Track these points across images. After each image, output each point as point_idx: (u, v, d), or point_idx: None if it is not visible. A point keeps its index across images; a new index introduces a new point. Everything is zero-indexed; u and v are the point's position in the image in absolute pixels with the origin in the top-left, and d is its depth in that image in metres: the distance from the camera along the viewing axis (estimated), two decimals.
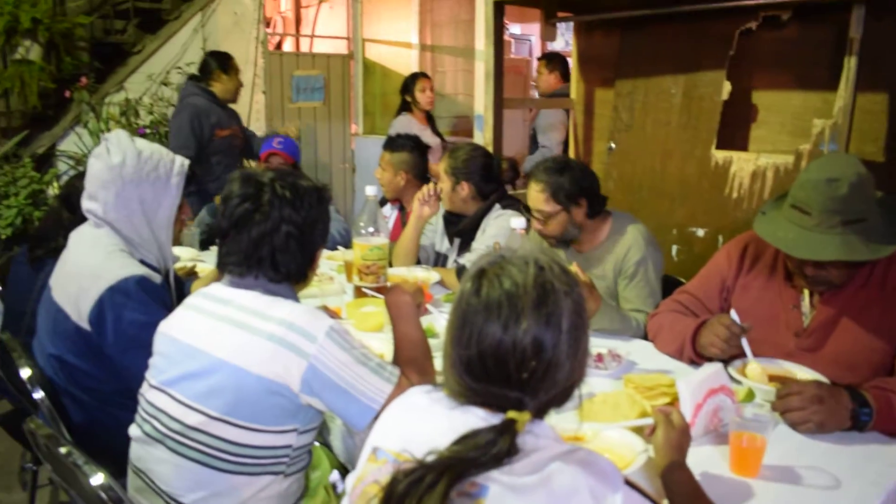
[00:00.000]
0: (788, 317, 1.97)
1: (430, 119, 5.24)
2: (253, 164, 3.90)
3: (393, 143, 3.37)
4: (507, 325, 1.04)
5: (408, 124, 4.97)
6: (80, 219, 2.08)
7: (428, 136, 4.99)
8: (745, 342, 1.87)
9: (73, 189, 2.36)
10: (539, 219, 2.45)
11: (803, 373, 1.86)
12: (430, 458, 1.00)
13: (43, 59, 4.86)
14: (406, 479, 0.99)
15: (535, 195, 2.42)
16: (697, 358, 1.99)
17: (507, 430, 1.02)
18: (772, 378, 1.85)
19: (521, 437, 1.03)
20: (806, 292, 1.95)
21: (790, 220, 1.83)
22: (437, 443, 1.02)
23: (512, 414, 1.04)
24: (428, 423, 1.10)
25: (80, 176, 2.50)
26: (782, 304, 1.99)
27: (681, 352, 2.04)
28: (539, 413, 1.09)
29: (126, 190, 1.94)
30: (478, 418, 1.06)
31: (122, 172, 1.93)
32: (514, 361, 1.04)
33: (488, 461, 0.99)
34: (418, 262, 3.03)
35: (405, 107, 5.17)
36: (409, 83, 5.17)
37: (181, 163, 2.04)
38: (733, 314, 1.89)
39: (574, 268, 2.12)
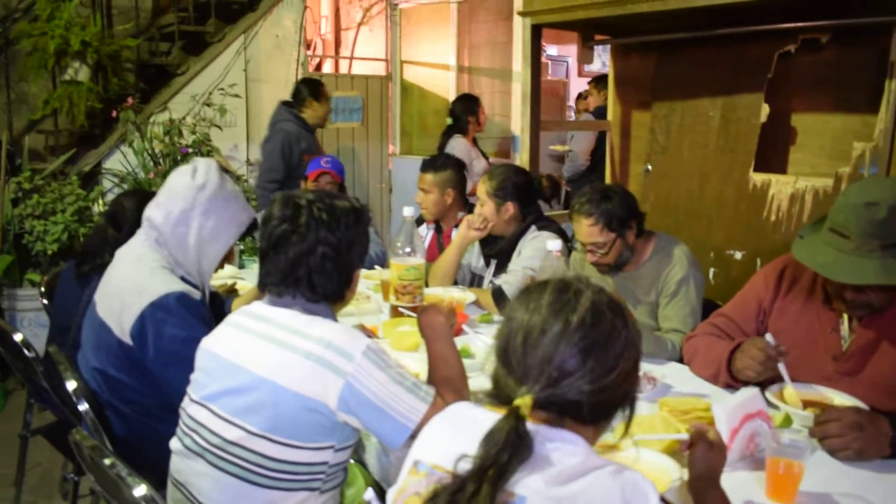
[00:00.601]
0: (827, 340, 1.95)
1: (475, 142, 5.29)
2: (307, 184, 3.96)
3: (435, 163, 3.36)
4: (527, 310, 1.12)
5: (465, 149, 4.97)
6: (125, 236, 2.14)
7: (477, 158, 5.04)
8: (782, 366, 1.85)
9: (119, 207, 2.43)
10: (593, 250, 2.43)
11: (840, 398, 1.84)
12: (461, 466, 1.02)
13: (91, 79, 4.97)
14: (446, 490, 1.01)
15: (588, 229, 2.41)
16: (734, 382, 1.97)
17: (514, 416, 1.03)
18: (809, 404, 1.82)
19: (551, 445, 1.04)
20: (845, 315, 1.92)
21: (829, 243, 1.81)
22: (468, 451, 1.04)
23: (516, 401, 1.05)
24: (462, 434, 1.12)
25: (126, 194, 2.58)
26: (821, 327, 1.97)
27: (716, 376, 2.02)
28: (555, 413, 1.09)
29: (193, 211, 2.00)
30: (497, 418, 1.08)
31: (197, 195, 2.00)
32: (514, 343, 1.10)
33: (512, 457, 1.00)
34: (455, 283, 3.05)
35: (459, 129, 5.17)
36: (472, 105, 5.17)
37: (249, 215, 2.11)
38: (769, 337, 1.87)
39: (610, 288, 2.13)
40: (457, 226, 3.11)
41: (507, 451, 1.01)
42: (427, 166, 3.36)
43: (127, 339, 1.92)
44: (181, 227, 2.01)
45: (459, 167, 3.40)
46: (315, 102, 4.65)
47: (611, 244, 2.41)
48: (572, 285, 1.13)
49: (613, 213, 2.39)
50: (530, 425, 1.05)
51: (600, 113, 4.81)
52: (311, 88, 4.69)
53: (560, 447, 1.06)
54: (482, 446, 1.03)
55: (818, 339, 1.97)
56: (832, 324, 1.94)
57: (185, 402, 1.62)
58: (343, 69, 7.67)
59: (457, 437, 1.13)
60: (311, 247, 1.58)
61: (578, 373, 1.07)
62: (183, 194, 2.00)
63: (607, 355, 1.08)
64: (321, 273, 1.59)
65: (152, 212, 2.03)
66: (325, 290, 1.60)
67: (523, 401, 1.05)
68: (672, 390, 2.02)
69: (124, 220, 2.36)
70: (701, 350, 2.13)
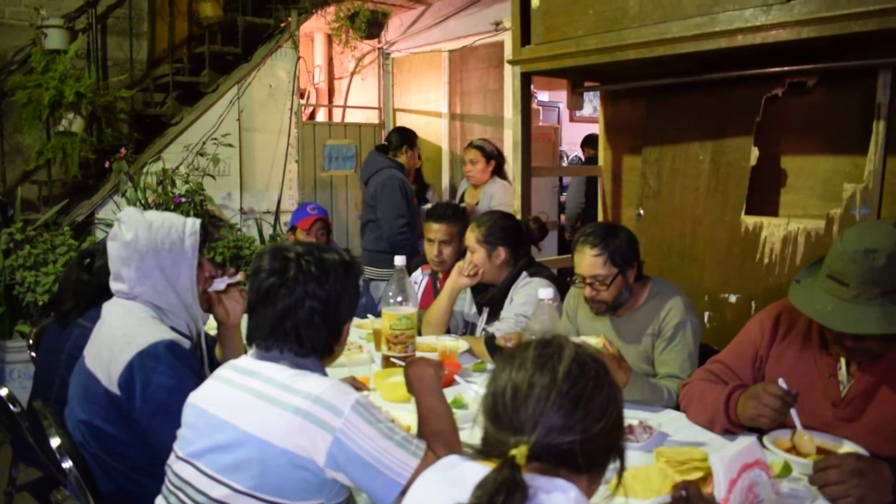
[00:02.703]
0: (825, 386, 1.93)
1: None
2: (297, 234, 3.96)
3: (454, 212, 3.27)
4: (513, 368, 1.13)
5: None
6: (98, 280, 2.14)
7: None
8: (793, 412, 1.83)
9: (95, 249, 2.44)
10: (592, 283, 2.41)
11: (848, 445, 1.80)
12: None
13: (85, 130, 5.01)
14: None
15: (592, 260, 2.39)
16: (734, 428, 1.95)
17: (509, 466, 1.03)
18: (821, 451, 1.79)
19: (545, 497, 1.03)
20: (843, 360, 1.91)
21: (827, 290, 1.80)
22: (460, 500, 1.04)
23: (512, 451, 1.05)
24: (455, 486, 1.11)
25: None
26: (818, 372, 1.95)
27: (713, 423, 2.00)
28: (550, 464, 1.08)
29: (145, 262, 1.98)
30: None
31: (137, 247, 1.98)
32: (504, 400, 1.11)
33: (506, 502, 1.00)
34: (448, 331, 3.02)
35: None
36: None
37: (192, 224, 2.08)
38: (781, 383, 1.85)
39: (602, 340, 2.11)
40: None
41: (500, 497, 1.00)
42: (446, 216, 3.23)
43: (115, 389, 1.89)
44: (146, 280, 1.99)
45: (465, 213, 3.39)
46: (410, 150, 4.81)
47: (612, 279, 2.39)
48: (554, 340, 1.16)
49: (619, 248, 2.38)
50: (525, 475, 1.04)
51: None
52: (405, 136, 4.84)
53: (556, 497, 1.05)
54: (473, 494, 1.02)
55: (816, 384, 1.94)
56: (830, 369, 1.92)
57: (171, 459, 1.59)
58: (336, 118, 7.75)
59: (450, 489, 1.11)
60: (300, 300, 1.57)
61: (569, 423, 1.08)
62: (125, 255, 1.99)
63: (594, 404, 1.10)
64: (309, 327, 1.57)
65: (117, 286, 2.03)
66: (313, 343, 1.58)
67: (519, 451, 1.05)
68: (669, 439, 1.98)
69: (93, 263, 2.37)
70: (696, 396, 2.11)
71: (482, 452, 1.13)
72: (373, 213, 4.58)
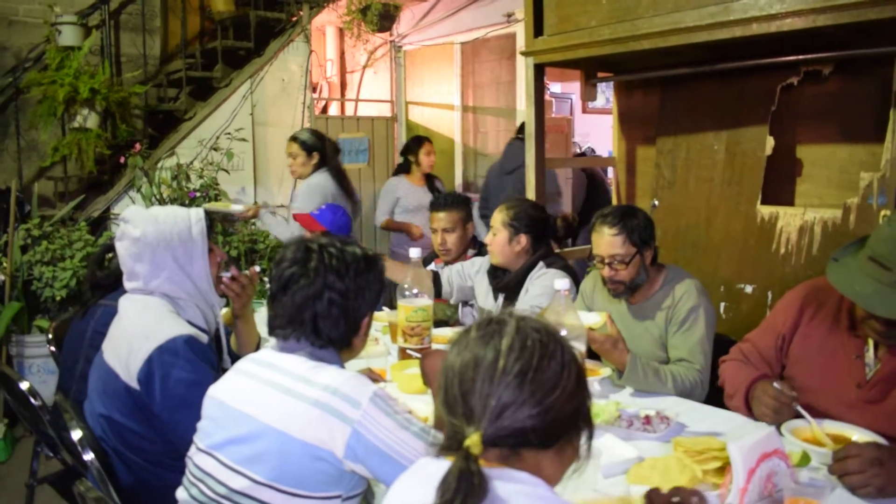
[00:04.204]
0: (851, 367, 1.93)
1: (429, 180, 5.38)
2: None
3: (454, 200, 3.36)
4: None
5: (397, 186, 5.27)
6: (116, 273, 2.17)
7: (405, 196, 5.24)
8: (800, 408, 1.83)
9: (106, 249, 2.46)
10: (611, 263, 2.42)
11: (860, 434, 1.80)
12: None
13: (99, 126, 5.04)
14: None
15: (610, 239, 2.41)
16: (753, 416, 1.99)
17: (463, 457, 1.01)
18: (834, 439, 1.79)
19: (509, 487, 1.01)
20: (870, 343, 1.90)
21: (868, 273, 1.77)
22: (427, 501, 1.02)
23: (465, 442, 1.03)
24: (425, 486, 1.07)
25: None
26: (845, 353, 1.95)
27: (738, 409, 2.04)
28: (508, 448, 1.06)
29: (157, 254, 2.01)
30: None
31: (147, 241, 2.01)
32: (453, 386, 1.08)
33: (466, 501, 0.97)
34: (457, 322, 3.03)
35: (404, 168, 5.39)
36: (412, 146, 5.36)
37: (196, 212, 2.11)
38: (776, 384, 1.87)
39: (605, 317, 2.13)
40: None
41: (459, 495, 0.98)
42: (447, 205, 3.33)
43: (134, 384, 1.90)
44: (161, 272, 2.02)
45: (468, 202, 3.41)
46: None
47: (630, 258, 2.40)
48: (495, 318, 1.13)
49: (637, 227, 2.41)
50: (486, 468, 1.01)
51: None
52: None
53: (519, 489, 1.03)
54: (438, 493, 1.00)
55: (842, 365, 1.95)
56: (857, 351, 1.93)
57: (192, 451, 1.60)
58: (349, 111, 7.76)
59: (421, 490, 1.08)
60: (319, 291, 1.58)
61: (520, 398, 1.05)
62: (137, 251, 2.02)
63: (545, 375, 1.06)
64: (327, 318, 1.58)
65: (132, 284, 2.06)
66: (330, 335, 1.59)
67: (471, 440, 1.02)
68: (686, 429, 1.98)
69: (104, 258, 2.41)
70: (728, 377, 2.15)
71: (445, 447, 1.10)
72: None
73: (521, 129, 4.90)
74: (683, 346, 2.37)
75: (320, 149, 4.33)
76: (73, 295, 4.43)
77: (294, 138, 4.37)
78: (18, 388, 2.33)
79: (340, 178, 4.35)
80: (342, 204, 4.19)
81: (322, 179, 4.25)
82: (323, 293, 1.57)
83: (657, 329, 2.47)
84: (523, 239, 2.91)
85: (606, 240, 2.42)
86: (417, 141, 5.38)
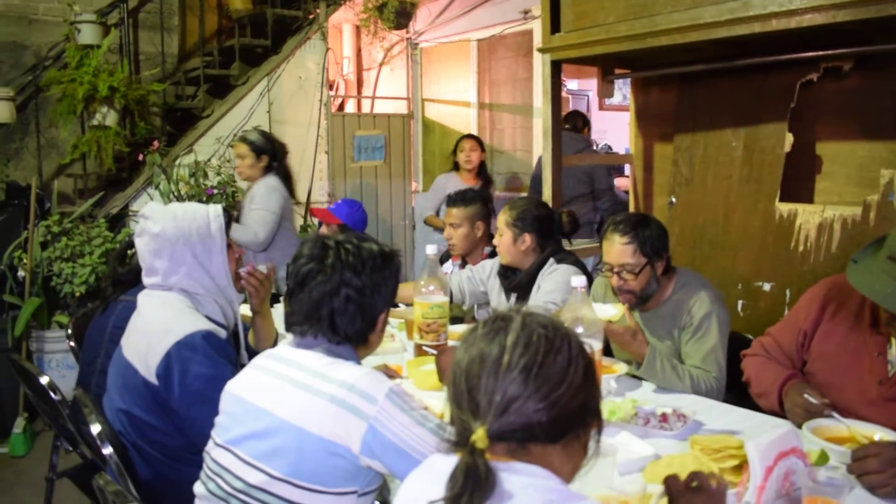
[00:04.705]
0: (873, 364, 1.92)
1: (482, 177, 5.34)
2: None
3: (465, 197, 3.40)
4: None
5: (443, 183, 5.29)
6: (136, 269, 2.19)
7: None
8: (835, 414, 1.84)
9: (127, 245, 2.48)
10: (620, 272, 2.38)
11: (883, 434, 1.78)
12: None
13: (118, 124, 5.08)
14: None
15: (621, 248, 2.36)
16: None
17: (470, 452, 1.01)
18: (837, 439, 1.78)
19: (517, 480, 1.01)
20: (893, 340, 1.90)
21: (887, 272, 1.77)
22: (436, 497, 1.02)
23: (472, 437, 1.03)
24: (436, 483, 1.08)
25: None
26: (867, 350, 1.94)
27: (768, 403, 2.06)
28: (515, 442, 1.06)
29: (176, 250, 2.03)
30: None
31: (166, 237, 2.02)
32: (461, 382, 1.09)
33: (474, 495, 0.98)
34: (474, 319, 3.03)
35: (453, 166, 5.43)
36: (456, 145, 5.43)
37: (214, 209, 2.13)
38: (806, 395, 1.88)
39: (622, 310, 2.12)
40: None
41: (468, 489, 0.98)
42: (457, 201, 3.39)
43: (152, 379, 1.92)
44: (180, 268, 2.04)
45: (486, 201, 3.42)
46: (587, 129, 5.45)
47: (640, 269, 2.36)
48: (501, 314, 1.15)
49: (649, 238, 2.36)
50: (493, 461, 1.02)
51: None
52: (584, 119, 5.57)
53: (528, 482, 1.03)
54: (446, 488, 1.01)
55: (864, 362, 1.95)
56: (879, 348, 1.92)
57: (210, 446, 1.61)
58: (365, 108, 7.76)
59: (431, 487, 1.08)
60: (335, 287, 1.58)
61: (525, 393, 1.05)
62: (156, 247, 2.03)
63: (551, 370, 1.06)
64: (343, 314, 1.59)
65: (151, 280, 2.07)
66: (346, 331, 1.60)
67: (478, 434, 1.03)
68: (703, 427, 1.97)
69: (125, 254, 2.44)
70: (753, 374, 2.16)
71: (454, 444, 1.10)
72: None
73: (567, 119, 5.08)
74: (696, 354, 2.34)
75: (269, 151, 4.24)
76: (92, 291, 4.46)
77: (243, 139, 4.28)
78: (38, 382, 2.35)
79: (288, 182, 4.33)
80: (288, 209, 4.27)
81: (277, 183, 4.22)
82: (340, 289, 1.58)
83: (670, 338, 2.44)
84: (528, 238, 2.91)
85: (617, 248, 2.37)
86: (459, 140, 5.42)
